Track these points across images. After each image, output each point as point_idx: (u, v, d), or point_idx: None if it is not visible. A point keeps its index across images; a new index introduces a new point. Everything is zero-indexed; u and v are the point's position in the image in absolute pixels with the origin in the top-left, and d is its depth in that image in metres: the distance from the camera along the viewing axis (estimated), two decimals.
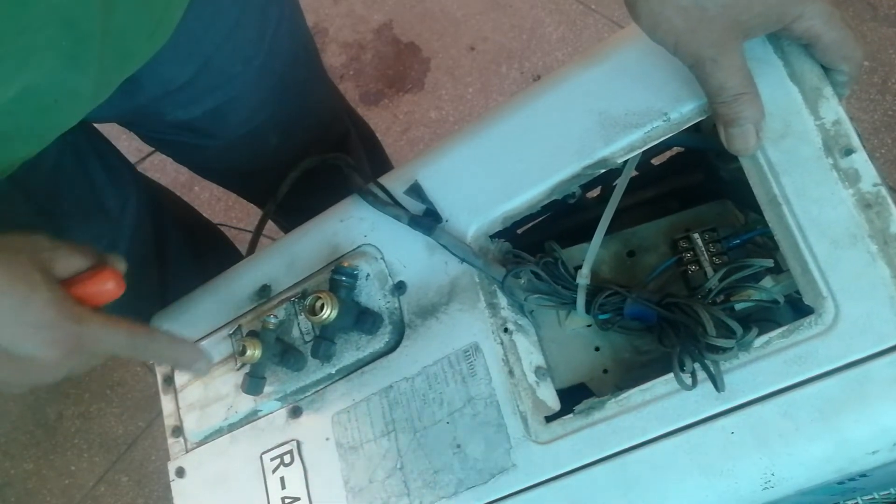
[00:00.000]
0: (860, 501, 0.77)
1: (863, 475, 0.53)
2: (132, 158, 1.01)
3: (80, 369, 0.55)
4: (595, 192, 0.72)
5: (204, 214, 1.23)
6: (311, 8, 2.02)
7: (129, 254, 0.90)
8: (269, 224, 0.96)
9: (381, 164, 1.32)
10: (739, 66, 0.49)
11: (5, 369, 0.51)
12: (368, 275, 0.66)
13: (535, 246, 0.63)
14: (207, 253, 1.14)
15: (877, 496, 0.77)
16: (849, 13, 1.57)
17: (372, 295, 0.66)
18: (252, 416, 0.71)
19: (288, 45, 0.88)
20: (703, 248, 0.58)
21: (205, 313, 0.77)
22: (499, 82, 1.83)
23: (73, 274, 0.53)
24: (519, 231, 0.73)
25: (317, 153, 0.83)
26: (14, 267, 0.49)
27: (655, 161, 0.71)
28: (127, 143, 1.02)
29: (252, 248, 0.85)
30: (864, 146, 0.51)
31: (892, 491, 0.76)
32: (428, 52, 1.92)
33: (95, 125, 0.88)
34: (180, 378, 0.77)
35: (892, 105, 1.50)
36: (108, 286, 0.55)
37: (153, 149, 0.95)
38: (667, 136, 0.56)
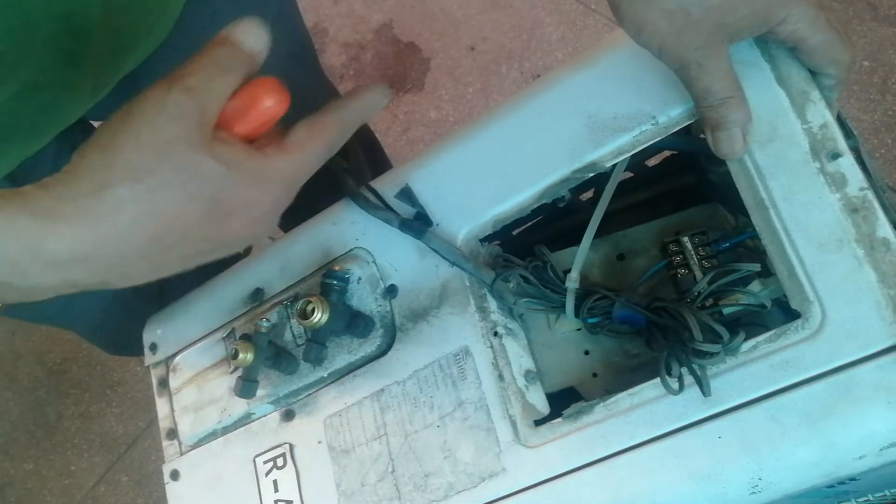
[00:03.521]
0: (854, 502, 0.77)
1: (852, 479, 0.52)
2: None
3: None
4: (589, 194, 0.72)
5: None
6: (311, 8, 2.02)
7: None
8: None
9: (381, 164, 1.33)
10: (725, 69, 0.49)
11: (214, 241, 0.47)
12: (360, 278, 0.66)
13: (529, 248, 0.63)
14: None
15: (871, 497, 0.77)
16: (849, 13, 1.56)
17: (363, 298, 0.66)
18: (245, 419, 0.72)
19: (285, 44, 0.88)
20: (692, 252, 0.58)
21: (199, 316, 0.77)
22: (499, 82, 1.83)
23: (224, 101, 0.45)
24: (515, 232, 0.73)
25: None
26: (154, 139, 0.42)
27: (650, 162, 0.71)
28: None
29: (249, 247, 0.85)
30: (857, 147, 0.51)
31: (888, 493, 0.76)
32: (428, 52, 1.92)
33: (95, 124, 0.88)
34: (175, 381, 0.77)
35: (892, 105, 1.49)
36: (268, 104, 0.46)
37: None
38: (655, 140, 0.56)
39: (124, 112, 0.42)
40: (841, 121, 0.53)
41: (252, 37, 0.45)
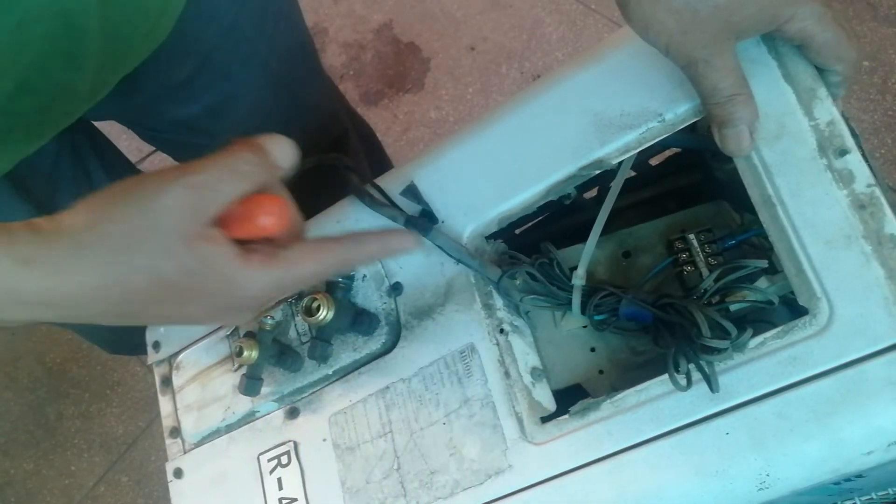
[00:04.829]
0: (858, 501, 0.77)
1: (859, 476, 0.53)
2: (132, 158, 1.01)
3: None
4: (593, 192, 0.72)
5: None
6: (311, 8, 2.02)
7: None
8: None
9: (381, 163, 1.32)
10: (732, 67, 0.49)
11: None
12: (365, 276, 0.66)
13: (533, 246, 0.63)
14: None
15: (874, 496, 0.77)
16: (849, 13, 1.57)
17: (368, 296, 0.66)
18: (249, 417, 0.72)
19: (286, 44, 0.88)
20: (698, 249, 0.58)
21: None
22: (499, 82, 1.83)
23: (226, 205, 0.45)
24: (517, 231, 0.73)
25: (316, 153, 0.83)
26: (167, 240, 0.44)
27: (653, 161, 0.71)
28: (127, 143, 1.02)
29: None
30: (861, 146, 0.51)
31: (891, 491, 0.76)
32: (428, 52, 1.92)
33: (95, 124, 0.88)
34: (178, 379, 0.77)
35: (892, 105, 1.49)
36: (265, 222, 0.47)
37: (153, 149, 0.95)
38: (662, 137, 0.56)
39: (127, 184, 0.44)
40: (845, 121, 0.53)
41: (282, 153, 0.47)
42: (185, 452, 0.76)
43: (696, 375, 0.51)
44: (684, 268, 0.58)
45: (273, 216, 0.48)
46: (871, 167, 0.51)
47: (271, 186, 0.48)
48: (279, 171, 0.48)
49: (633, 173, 0.69)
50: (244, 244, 0.46)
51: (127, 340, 1.00)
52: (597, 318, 0.57)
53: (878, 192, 0.48)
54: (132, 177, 0.45)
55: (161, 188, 0.43)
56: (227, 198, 0.45)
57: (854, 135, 0.53)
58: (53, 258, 0.42)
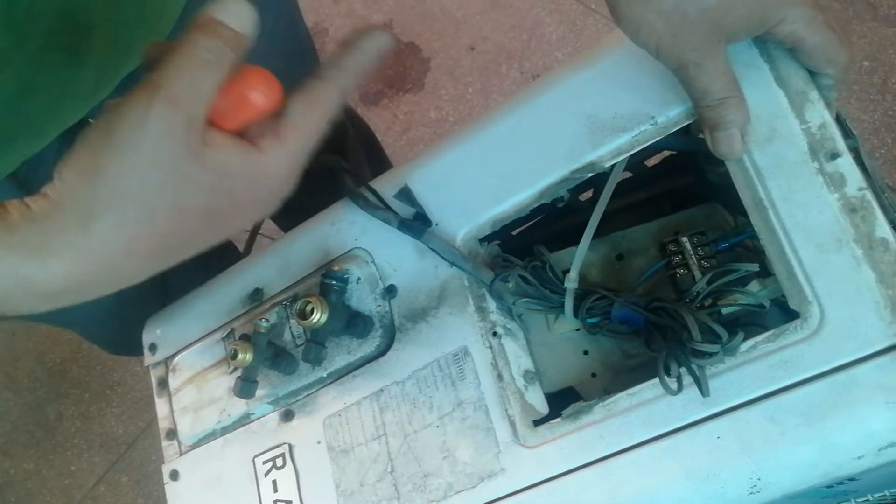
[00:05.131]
0: (854, 503, 0.77)
1: (851, 479, 0.52)
2: None
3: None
4: (589, 194, 0.72)
5: None
6: (311, 8, 2.02)
7: None
8: (271, 224, 0.96)
9: (381, 164, 1.33)
10: (723, 69, 0.49)
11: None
12: (359, 278, 0.66)
13: (528, 248, 0.63)
14: (207, 251, 1.14)
15: (870, 498, 0.76)
16: (849, 13, 1.56)
17: (363, 299, 0.66)
18: (244, 420, 0.72)
19: (285, 41, 0.88)
20: (691, 252, 0.58)
21: (198, 317, 0.77)
22: (499, 82, 1.83)
23: (211, 101, 0.41)
24: (514, 233, 0.73)
25: (314, 153, 0.82)
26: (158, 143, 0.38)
27: (650, 162, 0.71)
28: None
29: (249, 247, 0.85)
30: (857, 147, 0.51)
31: (888, 493, 0.76)
32: (428, 52, 1.92)
33: None
34: (174, 381, 0.77)
35: (892, 105, 1.49)
36: (257, 99, 0.43)
37: None
38: (654, 140, 0.56)
39: (103, 129, 0.39)
40: (841, 121, 0.53)
41: (238, 17, 0.41)
42: (181, 454, 0.76)
43: (687, 379, 0.50)
44: (677, 271, 0.58)
45: (261, 88, 0.43)
46: (868, 168, 0.51)
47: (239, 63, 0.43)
48: (244, 40, 0.41)
49: (629, 175, 0.69)
50: (244, 134, 0.43)
51: (127, 341, 1.00)
52: (589, 321, 0.57)
53: (869, 195, 0.48)
54: (99, 121, 0.40)
55: (142, 119, 0.38)
56: (209, 95, 0.40)
57: (850, 135, 0.53)
58: (68, 239, 0.38)
